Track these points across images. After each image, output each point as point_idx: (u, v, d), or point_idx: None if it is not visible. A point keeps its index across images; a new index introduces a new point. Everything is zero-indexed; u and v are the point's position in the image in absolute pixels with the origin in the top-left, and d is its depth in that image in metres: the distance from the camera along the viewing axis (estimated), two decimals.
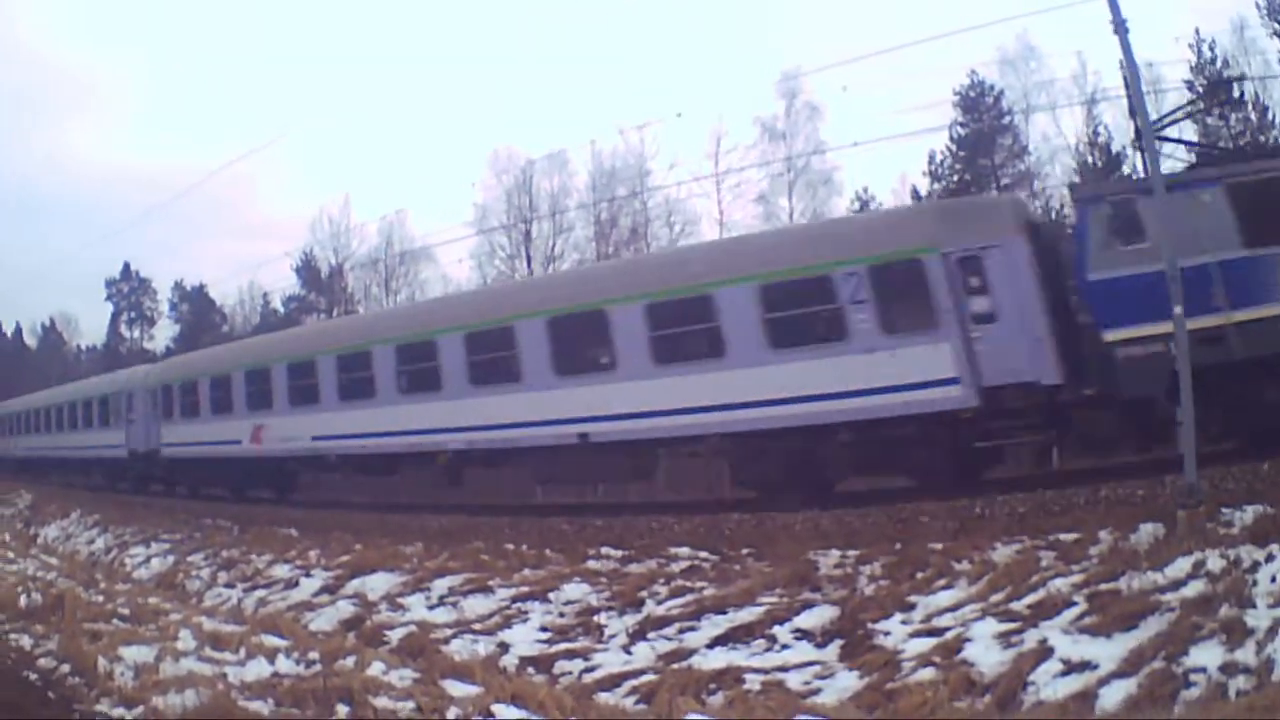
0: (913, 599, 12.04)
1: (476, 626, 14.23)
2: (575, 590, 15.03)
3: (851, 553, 14.61)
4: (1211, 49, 42.17)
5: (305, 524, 25.24)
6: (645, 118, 61.42)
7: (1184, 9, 58.57)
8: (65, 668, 11.40)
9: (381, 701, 9.26)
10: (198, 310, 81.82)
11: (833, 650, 11.29)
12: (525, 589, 15.51)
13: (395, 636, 13.99)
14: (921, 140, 52.26)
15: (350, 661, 11.15)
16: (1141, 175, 19.54)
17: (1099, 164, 42.00)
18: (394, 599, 16.30)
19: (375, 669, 10.70)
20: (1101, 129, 43.86)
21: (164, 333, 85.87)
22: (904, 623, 11.42)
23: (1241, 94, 40.51)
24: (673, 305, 21.18)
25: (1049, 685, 8.62)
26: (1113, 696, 8.05)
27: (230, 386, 33.06)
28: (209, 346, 48.78)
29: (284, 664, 11.31)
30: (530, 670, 12.04)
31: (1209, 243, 15.73)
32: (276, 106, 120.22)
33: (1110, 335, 16.58)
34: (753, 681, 10.39)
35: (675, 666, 11.36)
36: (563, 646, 12.95)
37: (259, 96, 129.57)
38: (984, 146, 47.62)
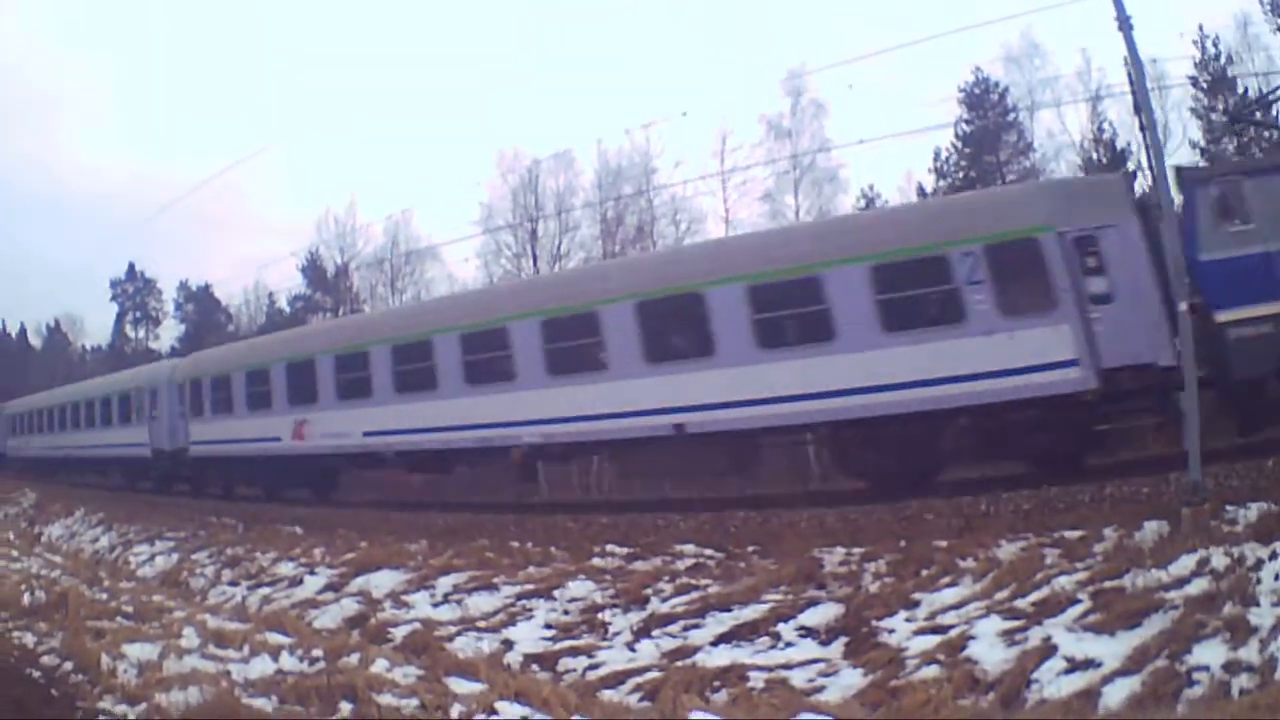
0: (917, 596, 12.03)
1: (481, 624, 14.24)
2: (580, 588, 15.02)
3: (856, 550, 14.61)
4: (1215, 45, 42.27)
5: (310, 522, 25.24)
6: (651, 117, 61.52)
7: (1188, 5, 58.72)
8: (68, 665, 11.46)
9: (385, 699, 9.29)
10: (203, 310, 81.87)
11: (837, 648, 11.29)
12: (530, 586, 15.51)
13: (399, 634, 13.98)
14: (927, 138, 52.49)
15: (354, 659, 11.18)
16: (1245, 157, 19.59)
17: (1104, 161, 41.96)
18: (398, 596, 16.30)
19: (379, 666, 10.72)
20: (1106, 125, 43.95)
21: (169, 333, 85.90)
22: (908, 620, 11.41)
23: (1245, 89, 40.62)
24: (777, 288, 20.06)
25: (1052, 683, 8.62)
26: (1116, 695, 8.05)
27: (269, 380, 31.34)
28: (215, 346, 47.67)
29: (288, 661, 11.34)
30: (534, 667, 12.05)
31: None
32: (282, 107, 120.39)
33: (1222, 316, 16.42)
34: (757, 679, 10.39)
35: (679, 664, 11.35)
36: (567, 644, 12.95)
37: (264, 98, 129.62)
38: (989, 143, 47.61)
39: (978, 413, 18.11)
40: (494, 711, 8.81)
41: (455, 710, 8.91)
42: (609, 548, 17.40)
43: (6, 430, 61.02)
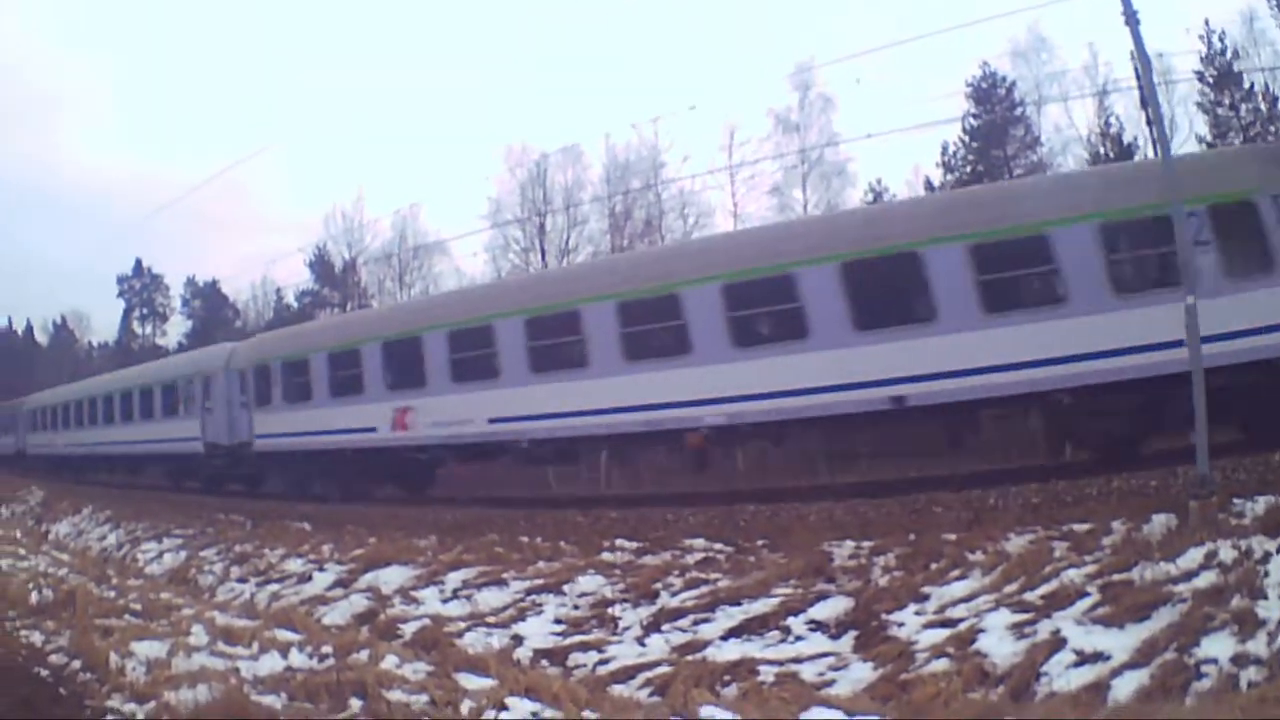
0: (926, 590, 12.04)
1: (490, 619, 14.26)
2: (590, 582, 15.01)
3: (866, 543, 14.64)
4: (1221, 40, 42.32)
5: (318, 518, 25.23)
6: (658, 111, 61.64)
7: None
8: (77, 664, 11.52)
9: (395, 695, 9.32)
10: (211, 306, 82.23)
11: (847, 641, 11.31)
12: (539, 581, 15.51)
13: (409, 630, 13.99)
14: (935, 132, 52.40)
15: (364, 655, 11.21)
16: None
17: (1111, 155, 41.99)
18: (408, 592, 16.33)
19: (389, 663, 10.75)
20: (1113, 120, 43.99)
21: (176, 329, 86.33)
22: (918, 614, 11.42)
23: (1251, 84, 40.70)
24: (1002, 247, 18.40)
25: (1062, 676, 8.63)
26: (1125, 687, 8.06)
27: (360, 363, 27.94)
28: (224, 342, 45.64)
29: (297, 658, 11.39)
30: (544, 663, 12.09)
31: None
32: (288, 106, 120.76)
33: None
34: (767, 673, 10.40)
35: (689, 658, 11.38)
36: (577, 639, 12.97)
37: (269, 96, 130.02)
38: (996, 138, 47.63)
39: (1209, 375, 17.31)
40: (504, 707, 8.82)
41: (465, 706, 8.93)
42: (618, 542, 17.41)
43: (27, 427, 58.35)
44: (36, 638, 13.36)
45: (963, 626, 10.50)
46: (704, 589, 13.78)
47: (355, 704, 9.18)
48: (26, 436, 58.38)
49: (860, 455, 23.84)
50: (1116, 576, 10.49)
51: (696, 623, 12.71)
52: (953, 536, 13.96)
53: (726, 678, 10.41)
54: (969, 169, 47.82)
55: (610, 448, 24.21)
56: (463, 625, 13.99)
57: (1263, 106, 41.51)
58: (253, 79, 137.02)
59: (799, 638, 11.70)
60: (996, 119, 47.73)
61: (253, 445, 32.18)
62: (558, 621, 13.85)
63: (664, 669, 11.00)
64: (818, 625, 11.89)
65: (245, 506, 29.40)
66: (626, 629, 13.07)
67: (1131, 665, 8.36)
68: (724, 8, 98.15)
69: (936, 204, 26.02)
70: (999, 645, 9.68)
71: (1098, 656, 8.75)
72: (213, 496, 33.81)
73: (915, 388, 18.58)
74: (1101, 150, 43.18)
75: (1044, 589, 10.87)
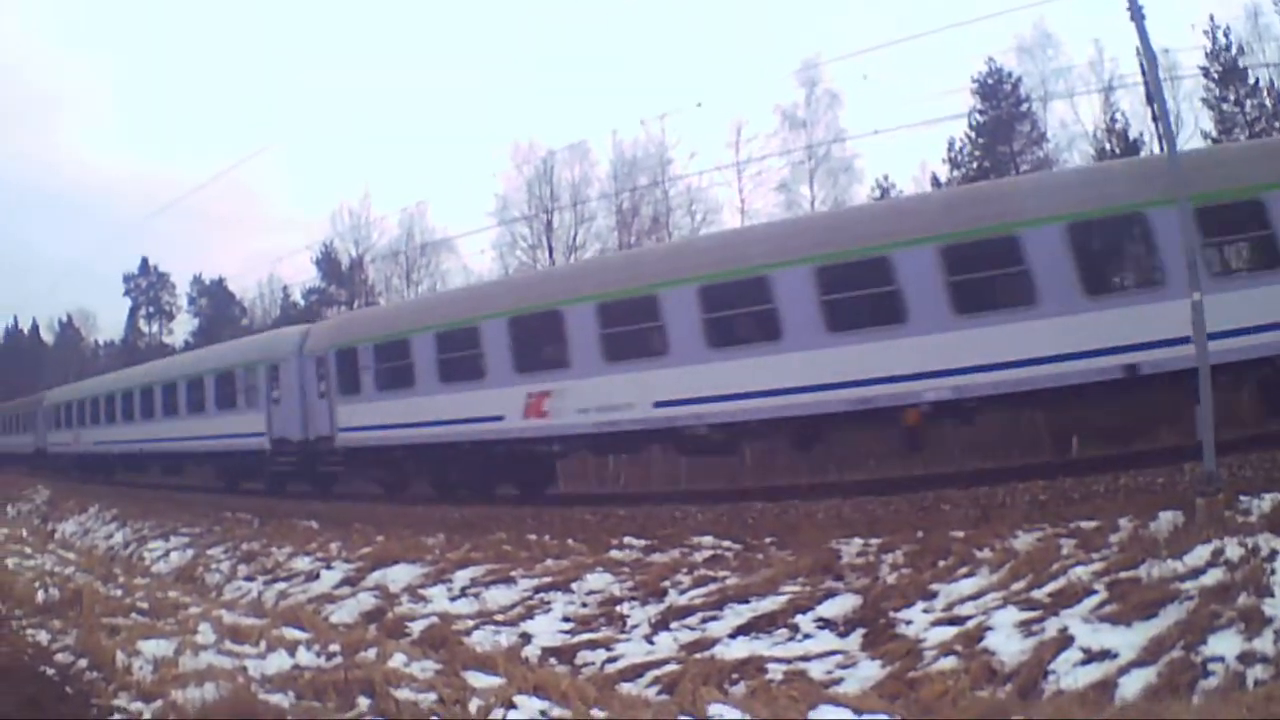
0: (935, 587, 12.04)
1: (499, 617, 14.24)
2: (598, 580, 15.01)
3: (874, 541, 14.65)
4: (1226, 35, 42.38)
5: (326, 516, 25.16)
6: (665, 108, 61.51)
7: None
8: (83, 663, 11.51)
9: (403, 693, 9.30)
10: (217, 304, 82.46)
11: (855, 639, 11.31)
12: (547, 579, 15.52)
13: (417, 628, 13.99)
14: (941, 128, 52.42)
15: (372, 653, 11.19)
16: None
17: (1117, 151, 42.01)
18: (415, 590, 16.34)
19: (397, 661, 10.74)
20: (1119, 115, 44.05)
21: (183, 327, 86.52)
22: (926, 611, 11.42)
23: (1256, 80, 40.77)
24: (1227, 210, 17.16)
25: (1069, 674, 8.63)
26: (1132, 686, 8.06)
27: (479, 342, 24.92)
28: (231, 340, 45.04)
29: (305, 656, 11.37)
30: (552, 661, 12.09)
31: None
32: (292, 105, 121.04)
33: None
34: (775, 671, 10.40)
35: (698, 656, 11.38)
36: (585, 637, 12.95)
37: (273, 95, 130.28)
38: (1003, 133, 47.74)
39: None
40: (512, 705, 8.82)
41: (473, 704, 8.93)
42: (626, 540, 17.44)
43: (47, 424, 54.64)
44: (43, 636, 13.36)
45: (971, 624, 10.49)
46: (712, 587, 13.79)
47: (363, 702, 9.17)
48: (47, 434, 54.74)
49: (1096, 427, 22.44)
50: (1124, 574, 10.48)
51: (705, 621, 12.70)
52: (961, 534, 13.97)
53: (735, 676, 10.40)
54: (975, 165, 47.88)
55: (798, 431, 21.09)
56: (471, 623, 13.97)
57: (1267, 102, 41.64)
58: (258, 78, 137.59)
59: (807, 635, 11.70)
60: (1003, 115, 47.81)
61: (334, 440, 29.03)
62: (566, 619, 13.83)
63: (672, 667, 11.00)
64: (826, 623, 11.89)
65: (251, 505, 29.23)
66: (635, 627, 13.06)
67: (1139, 663, 8.36)
68: (730, 4, 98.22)
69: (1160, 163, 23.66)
70: (1007, 643, 9.68)
71: (1105, 654, 8.75)
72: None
73: (1151, 355, 17.22)
74: (1107, 146, 43.21)
75: (1051, 586, 10.87)
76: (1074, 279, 17.83)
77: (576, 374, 22.74)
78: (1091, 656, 8.81)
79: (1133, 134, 42.91)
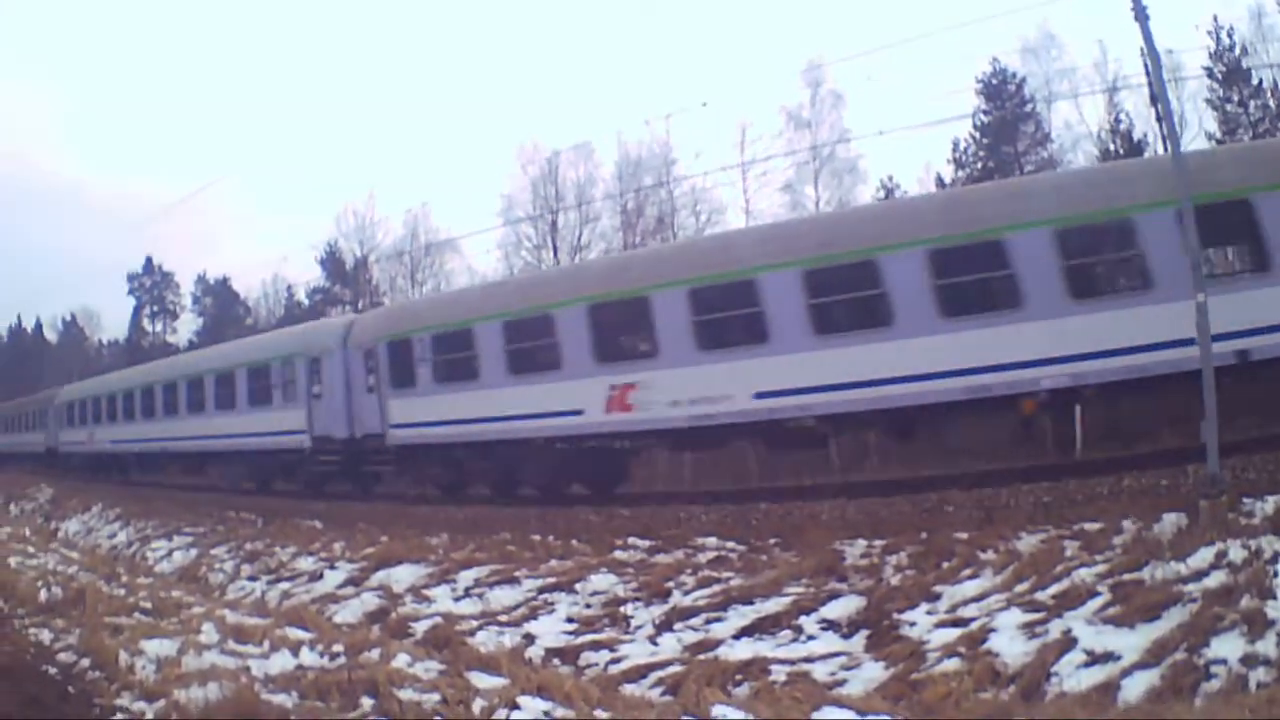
0: (938, 589, 12.05)
1: (502, 618, 14.27)
2: (602, 581, 15.02)
3: (878, 542, 14.67)
4: (1230, 36, 42.37)
5: (329, 516, 25.18)
6: (670, 108, 61.62)
7: None
8: (86, 662, 11.59)
9: (406, 694, 9.35)
10: (221, 303, 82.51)
11: (859, 641, 11.33)
12: (551, 580, 15.54)
13: (420, 628, 14.01)
14: (945, 128, 52.40)
15: (375, 654, 11.24)
16: None
17: (1121, 151, 42.00)
18: (419, 591, 16.37)
19: (400, 661, 10.78)
20: (1123, 116, 44.05)
21: (187, 326, 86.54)
22: (929, 613, 11.43)
23: (1260, 80, 40.80)
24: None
25: (1072, 676, 8.63)
26: (1135, 688, 8.06)
27: (554, 330, 23.11)
28: (235, 339, 44.10)
29: (308, 657, 11.43)
30: (556, 662, 12.11)
31: None
32: (300, 102, 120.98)
33: None
34: (779, 672, 10.41)
35: (701, 657, 11.38)
36: (589, 638, 12.96)
37: (282, 93, 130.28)
38: (1007, 134, 47.69)
39: None
40: (516, 706, 8.85)
41: (477, 705, 8.96)
42: (630, 541, 17.47)
43: (59, 422, 52.02)
44: (45, 636, 13.44)
45: (974, 626, 10.50)
46: (716, 588, 13.80)
47: (367, 703, 9.21)
48: (59, 433, 52.06)
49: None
50: (1127, 576, 10.50)
51: (709, 622, 12.71)
52: (964, 535, 13.99)
53: (738, 677, 10.41)
54: (980, 165, 47.86)
55: (900, 422, 19.92)
56: (474, 624, 13.99)
57: (1271, 103, 41.65)
58: (262, 77, 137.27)
59: (811, 637, 11.71)
60: (1007, 115, 47.76)
61: (386, 438, 27.06)
62: (570, 620, 13.85)
63: (676, 668, 11.01)
64: (830, 624, 11.90)
65: (255, 504, 29.16)
66: (639, 628, 13.08)
67: (1141, 665, 8.36)
68: (736, 5, 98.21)
69: None
70: (1010, 645, 9.69)
71: (1108, 656, 8.75)
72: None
73: (1259, 341, 16.36)
74: (1111, 147, 43.19)
75: (1055, 588, 10.88)
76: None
77: (666, 364, 21.25)
78: (1094, 658, 8.82)
79: (1136, 135, 42.96)
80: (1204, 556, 10.16)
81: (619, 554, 16.72)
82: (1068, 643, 9.23)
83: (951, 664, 9.71)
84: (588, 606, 14.25)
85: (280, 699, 9.58)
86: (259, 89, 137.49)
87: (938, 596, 11.85)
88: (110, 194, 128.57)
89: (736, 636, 12.06)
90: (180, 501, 32.96)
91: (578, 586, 15.01)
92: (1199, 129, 41.75)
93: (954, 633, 10.53)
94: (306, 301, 70.74)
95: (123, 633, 12.79)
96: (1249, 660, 7.73)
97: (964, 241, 18.42)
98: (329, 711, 9.15)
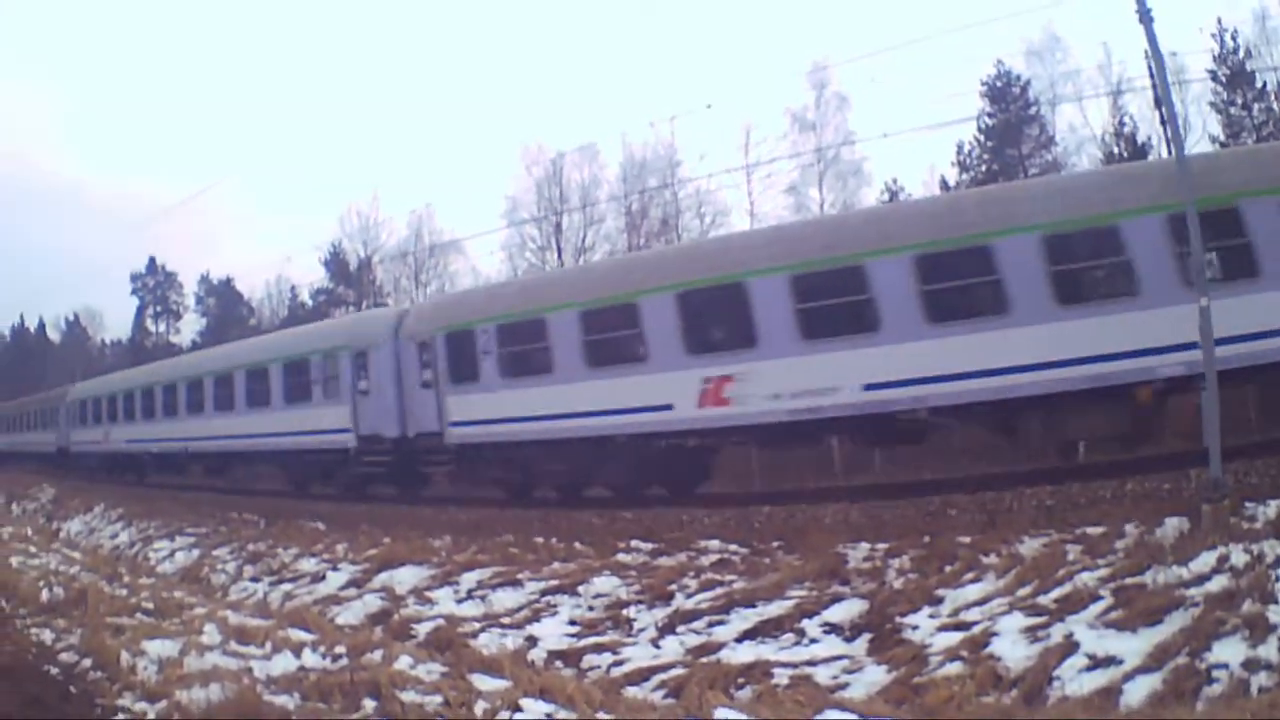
0: (941, 593, 12.04)
1: (505, 620, 14.28)
2: (604, 584, 14.99)
3: (880, 546, 14.64)
4: (1234, 39, 42.39)
5: (332, 517, 25.13)
6: (675, 110, 61.62)
7: None
8: (88, 662, 11.62)
9: (409, 696, 9.37)
10: (225, 304, 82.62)
11: (861, 644, 11.31)
12: (554, 582, 15.52)
13: (423, 630, 14.01)
14: (950, 131, 52.42)
15: (377, 655, 11.27)
16: None
17: (1125, 154, 41.99)
18: (422, 593, 16.37)
19: (403, 663, 10.80)
20: (1127, 119, 44.05)
21: (190, 327, 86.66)
22: (932, 616, 11.42)
23: (1264, 83, 40.81)
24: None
25: (1074, 680, 8.64)
26: (1137, 692, 8.07)
27: (638, 320, 21.69)
28: (239, 339, 43.58)
29: (310, 658, 11.46)
30: (559, 664, 12.10)
31: None
32: (303, 102, 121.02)
33: None
34: (781, 675, 10.41)
35: (704, 660, 11.38)
36: (591, 640, 12.96)
37: (285, 93, 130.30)
38: (1011, 137, 47.65)
39: None
40: (518, 708, 8.86)
41: (479, 707, 8.98)
42: (633, 543, 17.43)
43: (71, 421, 50.03)
44: (47, 636, 13.47)
45: (976, 630, 10.51)
46: (719, 591, 13.78)
47: (369, 704, 9.24)
48: (70, 432, 49.98)
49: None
50: (1129, 580, 10.49)
51: (711, 625, 12.70)
52: (967, 539, 13.99)
53: (741, 680, 10.40)
54: (984, 168, 47.83)
55: (1009, 414, 18.76)
56: (477, 626, 14.00)
57: (1275, 106, 41.69)
58: (264, 76, 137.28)
59: (813, 640, 11.68)
60: (1011, 118, 47.75)
61: (444, 436, 25.47)
62: (572, 623, 13.84)
63: (678, 671, 11.01)
64: (832, 628, 11.88)
65: (257, 505, 29.03)
66: (641, 630, 13.06)
67: (1143, 670, 8.36)
68: (740, 7, 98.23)
69: None
70: (1012, 649, 9.69)
71: (1110, 660, 8.75)
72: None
73: None
74: (1116, 149, 43.19)
75: (1057, 592, 10.87)
76: None
77: (766, 354, 19.97)
78: (1096, 663, 8.82)
79: (1141, 137, 42.96)
80: (1206, 561, 10.15)
81: (622, 557, 16.69)
82: (1070, 647, 9.23)
83: (954, 668, 9.70)
84: (590, 609, 14.23)
85: (282, 700, 9.61)
86: (261, 89, 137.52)
87: (940, 600, 11.84)
88: (111, 194, 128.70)
89: (739, 639, 12.04)
90: (183, 502, 32.93)
91: (580, 589, 14.97)
92: (1203, 132, 41.81)
93: (956, 636, 10.53)
94: (310, 302, 70.79)
95: (125, 633, 12.81)
96: (1251, 665, 7.73)
97: (1080, 227, 17.84)
98: (331, 713, 9.17)
